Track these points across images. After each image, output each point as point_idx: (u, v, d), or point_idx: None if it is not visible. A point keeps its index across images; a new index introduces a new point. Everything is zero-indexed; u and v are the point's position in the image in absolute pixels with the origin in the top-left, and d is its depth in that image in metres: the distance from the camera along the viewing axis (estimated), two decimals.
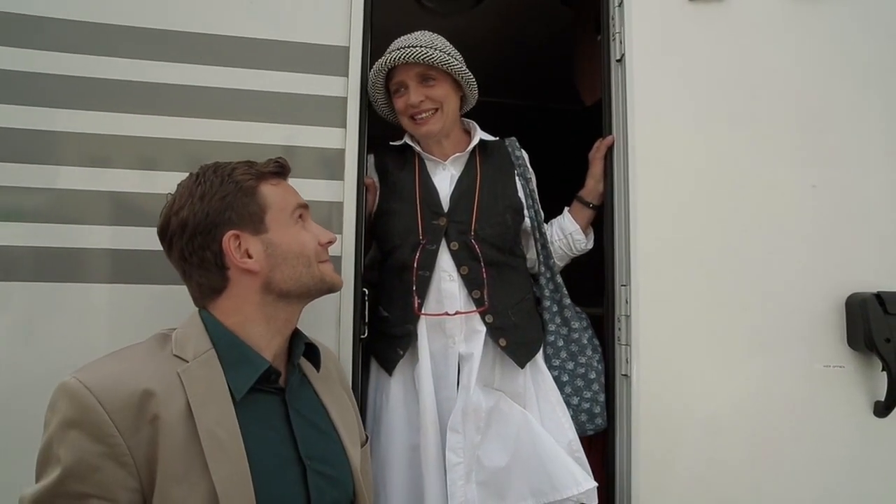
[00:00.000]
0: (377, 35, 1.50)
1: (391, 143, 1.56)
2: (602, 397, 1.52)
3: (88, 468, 0.82)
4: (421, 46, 1.40)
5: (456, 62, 1.42)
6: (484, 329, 1.42)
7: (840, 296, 1.47)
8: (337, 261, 1.36)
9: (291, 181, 1.13)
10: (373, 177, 1.55)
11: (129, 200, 1.30)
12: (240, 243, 0.99)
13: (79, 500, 0.82)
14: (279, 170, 1.06)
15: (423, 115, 1.44)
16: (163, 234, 1.01)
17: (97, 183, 1.29)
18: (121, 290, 1.27)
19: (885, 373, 1.44)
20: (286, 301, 1.03)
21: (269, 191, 1.03)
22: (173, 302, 1.24)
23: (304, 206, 1.09)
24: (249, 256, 0.99)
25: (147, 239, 1.25)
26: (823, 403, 1.46)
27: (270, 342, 1.02)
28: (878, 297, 1.43)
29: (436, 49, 1.41)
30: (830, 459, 1.45)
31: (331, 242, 1.11)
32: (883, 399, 1.46)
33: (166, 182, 1.27)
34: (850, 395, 1.47)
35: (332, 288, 1.10)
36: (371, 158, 1.55)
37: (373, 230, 1.54)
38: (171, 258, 1.02)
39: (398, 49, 1.40)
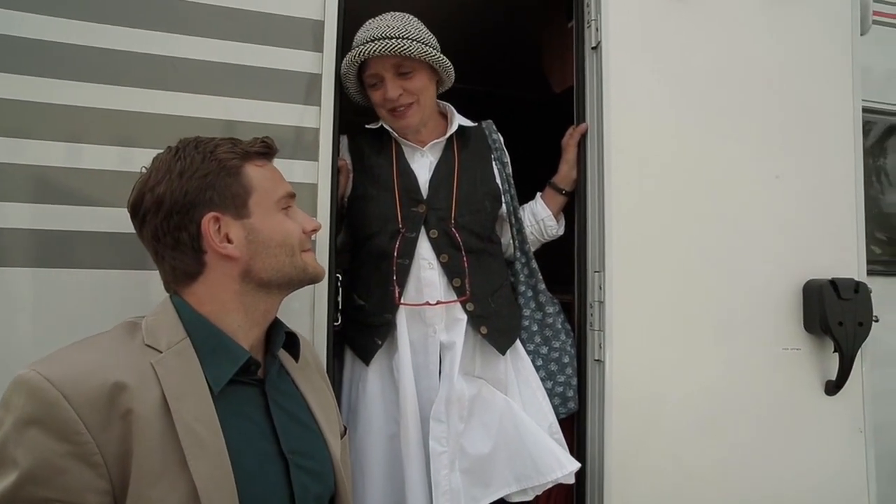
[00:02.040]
0: (352, 9, 1.43)
1: (367, 125, 1.50)
2: (575, 381, 1.54)
3: (52, 470, 0.74)
4: (395, 38, 1.33)
5: (433, 51, 1.37)
6: (465, 317, 1.40)
7: (799, 282, 1.55)
8: None
9: None
10: (346, 159, 1.49)
11: (54, 176, 1.17)
12: (220, 227, 0.91)
13: None
14: (265, 150, 0.99)
15: (402, 108, 1.40)
16: (135, 211, 0.93)
17: (19, 156, 1.16)
18: (44, 274, 1.16)
19: (836, 354, 1.53)
20: (266, 291, 0.97)
21: (255, 172, 0.96)
22: (102, 288, 1.17)
23: (292, 195, 1.02)
24: (229, 241, 0.92)
25: (74, 219, 1.16)
26: (782, 384, 1.53)
27: (248, 333, 0.96)
28: (833, 283, 1.52)
29: (410, 39, 1.34)
30: (789, 435, 1.53)
31: (315, 230, 1.05)
32: (834, 378, 1.55)
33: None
34: (805, 376, 1.56)
35: (314, 279, 1.04)
36: (344, 140, 1.49)
37: (346, 215, 1.48)
38: (143, 237, 0.94)
39: (371, 41, 1.33)
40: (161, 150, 0.97)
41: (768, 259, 1.54)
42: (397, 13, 1.41)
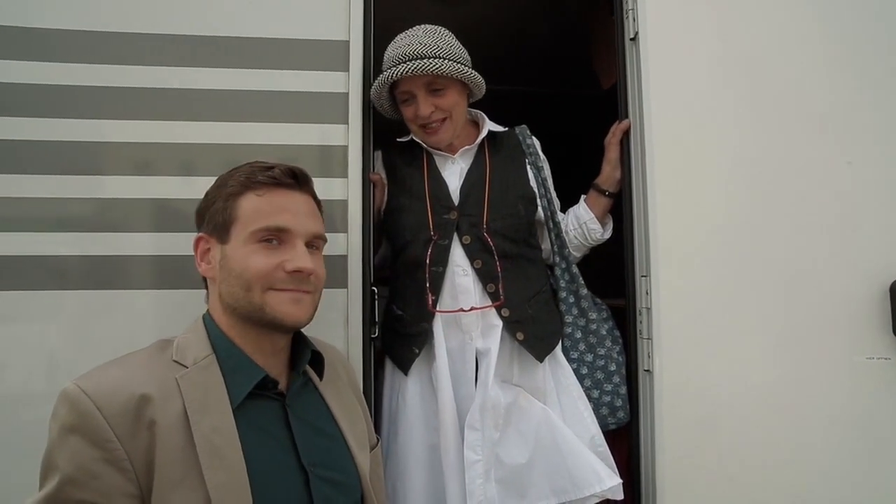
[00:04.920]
0: (378, 27, 1.46)
1: (398, 139, 1.53)
2: (623, 390, 1.47)
3: (88, 474, 0.82)
4: (427, 58, 1.32)
5: (464, 67, 1.36)
6: (500, 323, 1.38)
7: (883, 281, 1.36)
8: (343, 260, 1.34)
9: None
10: (381, 173, 1.52)
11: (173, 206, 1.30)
12: (209, 247, 1.00)
13: None
14: (270, 181, 1.00)
15: (434, 124, 1.40)
16: None
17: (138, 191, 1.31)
18: (165, 295, 1.29)
19: None
20: (245, 320, 0.97)
21: (247, 202, 0.98)
22: None
23: (279, 229, 0.98)
24: (210, 262, 1.00)
25: (188, 244, 1.27)
26: (868, 398, 1.35)
27: (260, 357, 0.98)
28: None
29: (443, 58, 1.34)
30: (878, 458, 1.35)
31: (298, 272, 0.96)
32: None
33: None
34: None
35: (273, 322, 0.96)
36: (379, 155, 1.53)
37: (383, 228, 1.52)
38: None
39: (403, 62, 1.33)
40: None
41: (842, 257, 1.37)
42: (428, 27, 1.40)
